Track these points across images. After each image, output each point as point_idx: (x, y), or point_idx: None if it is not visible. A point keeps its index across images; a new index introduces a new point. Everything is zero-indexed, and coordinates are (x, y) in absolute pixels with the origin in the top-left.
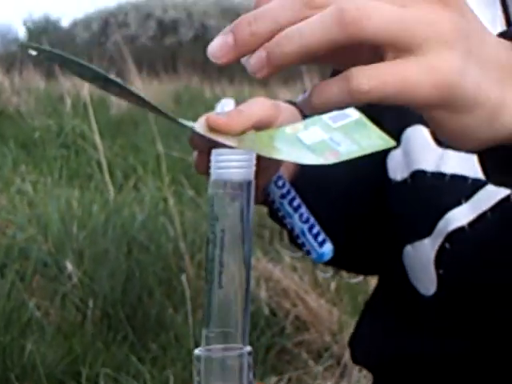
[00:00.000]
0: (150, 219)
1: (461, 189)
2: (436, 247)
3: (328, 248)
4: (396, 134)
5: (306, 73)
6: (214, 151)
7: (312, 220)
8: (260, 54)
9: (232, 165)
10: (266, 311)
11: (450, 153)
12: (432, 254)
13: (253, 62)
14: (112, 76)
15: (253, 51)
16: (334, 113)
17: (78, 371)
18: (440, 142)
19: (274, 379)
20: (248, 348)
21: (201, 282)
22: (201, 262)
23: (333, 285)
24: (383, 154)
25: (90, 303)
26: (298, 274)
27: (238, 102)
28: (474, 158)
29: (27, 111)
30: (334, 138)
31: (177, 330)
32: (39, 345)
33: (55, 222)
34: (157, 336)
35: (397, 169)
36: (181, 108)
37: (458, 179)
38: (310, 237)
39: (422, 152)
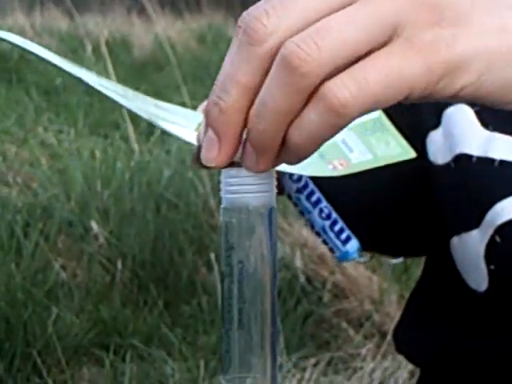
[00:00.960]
0: (177, 174)
1: (511, 177)
2: (485, 241)
3: (353, 246)
4: (435, 115)
5: None
6: (224, 172)
7: (334, 215)
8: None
9: (247, 188)
10: (302, 279)
11: (498, 136)
12: (481, 248)
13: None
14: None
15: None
16: None
17: (106, 342)
18: (487, 124)
19: (313, 353)
20: None
21: None
22: None
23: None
24: (422, 134)
25: (119, 264)
26: None
27: None
28: None
29: None
30: (347, 139)
31: (210, 291)
32: (66, 312)
33: (78, 180)
34: (189, 298)
35: (438, 151)
36: (205, 48)
37: (508, 166)
38: (332, 234)
39: (466, 134)
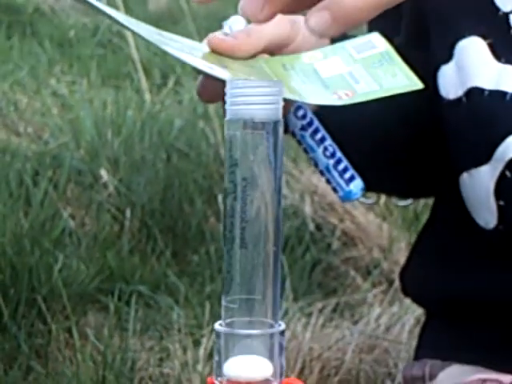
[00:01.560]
0: (188, 124)
1: None
2: (496, 176)
3: (357, 185)
4: (448, 48)
5: None
6: (230, 81)
7: (338, 154)
8: (322, 14)
9: (253, 100)
10: (311, 227)
11: (511, 69)
12: (491, 184)
13: (314, 21)
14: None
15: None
16: (359, 41)
17: (112, 288)
18: (499, 56)
19: (320, 299)
20: (281, 326)
21: None
22: None
23: (382, 198)
24: (433, 69)
25: (128, 213)
26: None
27: None
28: None
29: (61, 8)
30: (353, 72)
31: (218, 243)
32: (72, 259)
33: (89, 127)
34: (197, 247)
35: (449, 86)
36: (220, 2)
37: None
38: (335, 173)
39: (479, 67)
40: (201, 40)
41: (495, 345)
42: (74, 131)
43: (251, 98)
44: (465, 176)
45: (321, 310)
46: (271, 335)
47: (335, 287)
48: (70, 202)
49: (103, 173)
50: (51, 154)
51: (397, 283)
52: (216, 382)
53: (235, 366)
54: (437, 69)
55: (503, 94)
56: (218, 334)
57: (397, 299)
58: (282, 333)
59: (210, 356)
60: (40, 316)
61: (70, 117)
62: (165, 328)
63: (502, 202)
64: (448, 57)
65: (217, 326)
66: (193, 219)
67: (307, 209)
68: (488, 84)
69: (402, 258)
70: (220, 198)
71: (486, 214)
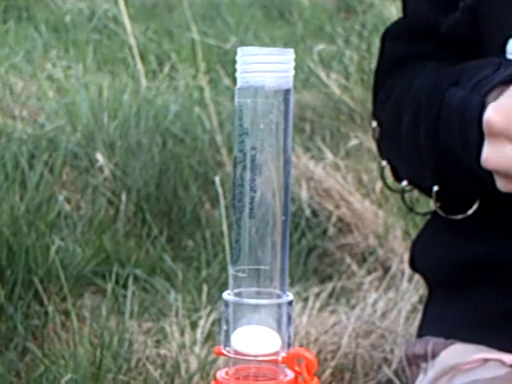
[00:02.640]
0: (184, 110)
1: None
2: None
3: None
4: None
5: None
6: (241, 49)
7: None
8: None
9: (264, 68)
10: (307, 212)
11: None
12: None
13: None
14: None
15: None
16: None
17: (108, 271)
18: None
19: (316, 284)
20: (289, 296)
21: None
22: None
23: (378, 185)
24: (501, 43)
25: (123, 197)
26: (341, 173)
27: None
28: None
29: None
30: None
31: (214, 228)
32: (68, 242)
33: (85, 111)
34: (192, 232)
35: None
36: None
37: None
38: None
39: None
40: (197, 26)
41: (498, 322)
42: (70, 115)
43: (262, 65)
44: None
45: (317, 295)
46: (279, 305)
47: (331, 273)
48: (65, 185)
49: (99, 157)
50: (47, 137)
51: (393, 270)
52: (224, 351)
53: (243, 338)
54: (505, 42)
55: None
56: (226, 303)
57: (393, 286)
58: (290, 303)
59: (207, 338)
60: (36, 297)
61: (65, 101)
62: (161, 311)
63: None
64: None
65: (225, 295)
66: (188, 204)
67: (303, 195)
68: None
69: (397, 245)
70: (217, 181)
71: None
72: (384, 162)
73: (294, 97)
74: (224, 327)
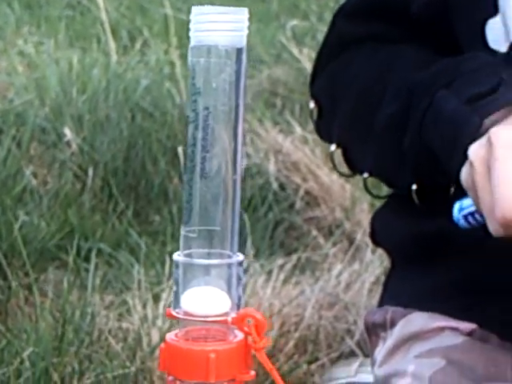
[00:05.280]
0: (154, 84)
1: None
2: None
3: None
4: (492, 2)
5: None
6: (195, 8)
7: None
8: None
9: (218, 27)
10: (275, 185)
11: None
12: None
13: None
14: None
15: None
16: None
17: (72, 246)
18: None
19: (281, 257)
20: (239, 256)
21: None
22: None
23: None
24: (480, 22)
25: (90, 171)
26: (309, 146)
27: None
28: None
29: None
30: None
31: (181, 202)
32: (33, 216)
33: (54, 85)
34: (160, 208)
35: (499, 39)
36: None
37: None
38: None
39: None
40: (170, 3)
41: (455, 292)
42: (39, 89)
43: (216, 24)
44: None
45: (281, 267)
46: (229, 266)
47: (297, 246)
48: (32, 160)
49: (67, 131)
50: (15, 111)
51: (358, 241)
52: (173, 313)
53: (192, 299)
54: (484, 23)
55: None
56: (176, 264)
57: (358, 257)
58: (240, 263)
59: None
60: (0, 272)
61: (35, 76)
62: (124, 284)
63: None
64: (494, 10)
65: (175, 256)
66: (156, 179)
67: (271, 168)
68: None
69: (364, 218)
70: (180, 151)
71: None
72: (333, 147)
73: (266, 72)
74: (174, 288)
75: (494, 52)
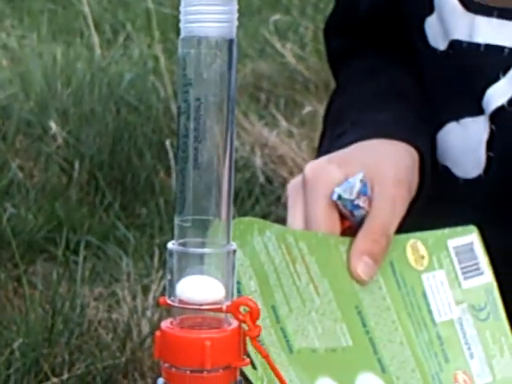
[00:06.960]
0: (138, 78)
1: (497, 61)
2: (487, 128)
3: None
4: (428, 0)
5: None
6: (184, 0)
7: None
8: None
9: (207, 18)
10: (262, 179)
11: (480, 19)
12: (484, 136)
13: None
14: None
15: None
16: (460, 241)
17: (60, 238)
18: (468, 6)
19: None
20: (233, 246)
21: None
22: None
23: None
24: (418, 22)
25: (76, 165)
26: (295, 140)
27: None
28: (510, 25)
29: None
30: (466, 331)
31: (168, 196)
32: (21, 208)
33: (38, 79)
34: (146, 201)
35: (437, 37)
36: None
37: (493, 50)
38: None
39: (454, 19)
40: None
41: None
42: (24, 83)
43: (206, 15)
44: (452, 125)
45: None
46: (223, 255)
47: None
48: (18, 153)
49: (52, 124)
50: (0, 105)
51: None
52: (168, 301)
53: (187, 287)
54: (423, 21)
55: (477, 45)
56: (170, 253)
57: None
58: (234, 252)
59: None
60: None
61: (19, 70)
62: (113, 276)
63: (491, 153)
64: (430, 8)
65: (169, 244)
66: (142, 172)
67: (258, 161)
68: (463, 35)
69: None
70: (168, 144)
71: (470, 165)
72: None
73: (250, 66)
74: (168, 277)
75: (434, 50)
